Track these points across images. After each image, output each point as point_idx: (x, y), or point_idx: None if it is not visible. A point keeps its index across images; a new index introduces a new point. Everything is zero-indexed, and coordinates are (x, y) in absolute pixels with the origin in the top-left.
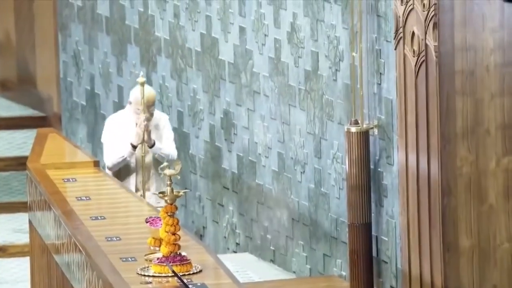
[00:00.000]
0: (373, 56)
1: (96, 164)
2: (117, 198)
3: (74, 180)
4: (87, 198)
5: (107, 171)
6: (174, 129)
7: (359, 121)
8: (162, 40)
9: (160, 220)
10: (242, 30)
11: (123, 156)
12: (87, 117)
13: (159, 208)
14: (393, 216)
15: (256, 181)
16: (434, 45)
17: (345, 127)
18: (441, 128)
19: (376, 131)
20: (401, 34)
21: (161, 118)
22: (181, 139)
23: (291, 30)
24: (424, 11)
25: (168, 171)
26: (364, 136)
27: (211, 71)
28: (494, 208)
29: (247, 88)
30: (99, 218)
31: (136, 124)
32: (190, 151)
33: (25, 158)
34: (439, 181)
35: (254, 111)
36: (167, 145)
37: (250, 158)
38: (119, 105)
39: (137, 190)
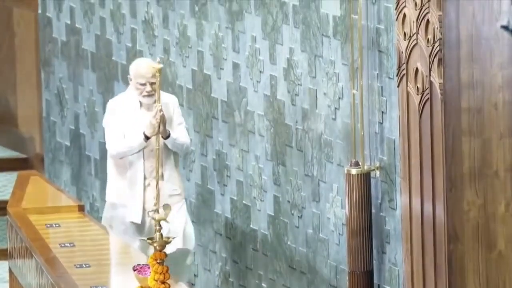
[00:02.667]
0: (375, 93)
1: (81, 208)
2: (102, 244)
3: (57, 225)
4: (71, 244)
5: (108, 159)
6: None
7: (360, 163)
8: None
9: (148, 267)
10: (235, 66)
11: (132, 146)
12: (71, 159)
13: (175, 193)
14: (396, 263)
15: (251, 226)
16: (439, 82)
17: (345, 169)
18: (447, 170)
19: (377, 173)
20: (404, 71)
21: (170, 100)
22: None
23: (287, 66)
24: (428, 46)
25: (157, 216)
26: (365, 178)
27: (203, 109)
28: (504, 255)
29: (241, 127)
30: (84, 266)
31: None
32: None
33: (5, 202)
34: (445, 226)
35: (248, 151)
36: (179, 133)
37: (244, 201)
38: (105, 146)
39: (145, 178)
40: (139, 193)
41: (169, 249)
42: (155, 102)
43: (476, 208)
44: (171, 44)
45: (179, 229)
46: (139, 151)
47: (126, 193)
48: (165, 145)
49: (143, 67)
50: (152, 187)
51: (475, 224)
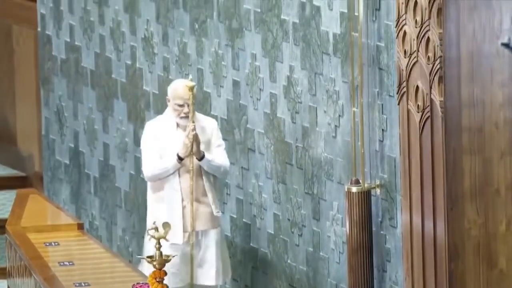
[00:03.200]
0: (375, 111)
1: (80, 226)
2: (102, 263)
3: (56, 244)
4: (71, 263)
5: (148, 189)
6: None
7: (360, 181)
8: (151, 94)
9: (148, 286)
10: (235, 83)
11: (166, 168)
12: (70, 177)
13: (219, 215)
14: (397, 282)
15: (251, 244)
16: (440, 100)
17: (345, 187)
18: (448, 188)
19: (378, 191)
20: (405, 88)
21: (208, 123)
22: None
23: (287, 83)
24: (429, 64)
25: (156, 234)
26: (366, 196)
27: None
28: (505, 273)
29: (241, 145)
30: (83, 284)
31: (178, 126)
32: None
33: (4, 220)
34: (445, 245)
35: (248, 169)
36: (218, 155)
37: (244, 219)
38: (104, 164)
39: (182, 199)
40: (178, 214)
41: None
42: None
43: (477, 227)
44: (171, 61)
45: (213, 262)
46: (174, 172)
47: (165, 216)
48: (192, 177)
49: (180, 88)
50: (189, 209)
51: (476, 243)
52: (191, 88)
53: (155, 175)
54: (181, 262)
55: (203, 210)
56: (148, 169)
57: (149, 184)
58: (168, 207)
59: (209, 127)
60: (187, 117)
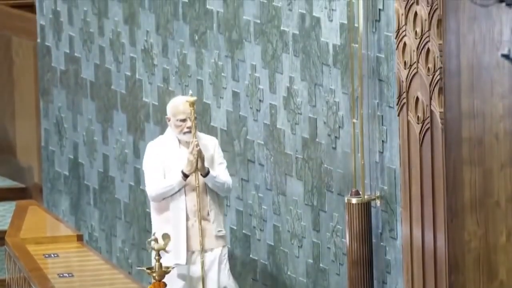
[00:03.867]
0: (375, 122)
1: (80, 238)
2: (101, 274)
3: (56, 255)
4: (70, 275)
5: (151, 209)
6: None
7: (360, 192)
8: (151, 105)
9: None
10: (235, 95)
11: (172, 185)
12: (70, 188)
13: (220, 234)
14: None
15: (250, 256)
16: (440, 112)
17: (345, 198)
18: (448, 200)
19: (378, 202)
20: (405, 100)
21: (209, 140)
22: None
23: (287, 95)
24: (429, 75)
25: (156, 245)
26: (366, 208)
27: None
28: (505, 285)
29: (241, 156)
30: None
31: (179, 141)
32: None
33: (3, 232)
34: (446, 257)
35: (248, 181)
36: (220, 172)
37: (244, 231)
38: (104, 175)
39: (187, 218)
40: (183, 234)
41: None
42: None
43: (477, 238)
44: (171, 73)
45: (216, 281)
46: (179, 190)
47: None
48: (198, 193)
49: (181, 104)
50: (195, 228)
51: (476, 254)
52: (192, 103)
53: (160, 194)
54: (187, 283)
55: (209, 228)
56: (153, 188)
57: (153, 206)
58: (174, 227)
59: (210, 144)
60: (190, 131)
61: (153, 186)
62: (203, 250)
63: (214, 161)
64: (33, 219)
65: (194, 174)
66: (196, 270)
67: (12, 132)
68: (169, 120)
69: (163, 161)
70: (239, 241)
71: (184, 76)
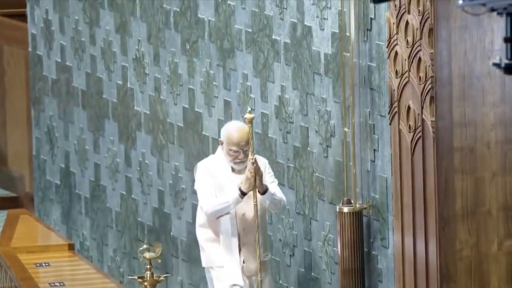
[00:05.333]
0: (367, 131)
1: (71, 247)
2: (93, 283)
3: (47, 264)
4: (61, 284)
5: (198, 229)
6: (154, 210)
7: (352, 201)
8: (142, 114)
9: None
10: (227, 104)
11: (228, 202)
12: (61, 197)
13: (266, 258)
14: None
15: None
16: (431, 120)
17: (337, 207)
18: (439, 209)
19: (370, 211)
20: (396, 108)
21: (260, 161)
22: (162, 221)
23: (279, 104)
24: (420, 84)
25: (147, 254)
26: (357, 216)
27: (194, 147)
28: None
29: None
30: None
31: (233, 162)
32: (171, 233)
33: None
34: (437, 265)
35: None
36: (275, 189)
37: None
38: (95, 184)
39: (239, 242)
40: (236, 257)
41: None
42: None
43: (469, 247)
44: (162, 81)
45: None
46: (233, 208)
47: (224, 257)
48: (255, 212)
49: (236, 137)
50: (245, 253)
51: (468, 263)
52: (250, 120)
53: (216, 210)
54: None
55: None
56: (209, 205)
57: (201, 227)
58: (225, 250)
59: (261, 164)
60: (242, 162)
61: (209, 203)
62: (259, 261)
63: (266, 181)
64: (24, 228)
65: (252, 192)
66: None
67: (3, 141)
68: (221, 144)
69: (215, 183)
70: None
71: (176, 85)
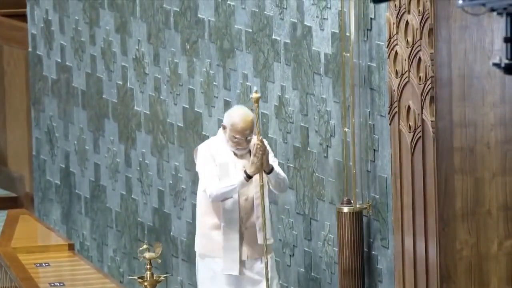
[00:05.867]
0: (366, 131)
1: (71, 247)
2: (93, 283)
3: (47, 264)
4: (61, 284)
5: (198, 211)
6: (154, 210)
7: (352, 201)
8: (142, 114)
9: None
10: (227, 104)
11: (233, 185)
12: (61, 198)
13: (269, 242)
14: None
15: None
16: (431, 121)
17: (337, 207)
18: (439, 209)
19: (370, 211)
20: (396, 109)
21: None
22: (162, 220)
23: (279, 103)
24: (420, 84)
25: (147, 254)
26: (357, 216)
27: (194, 147)
28: None
29: None
30: None
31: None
32: (171, 233)
33: None
34: (437, 266)
35: None
36: (279, 169)
37: None
38: (95, 184)
39: (240, 228)
40: (235, 245)
41: None
42: (248, 151)
43: (469, 247)
44: (162, 81)
45: None
46: (238, 191)
47: (221, 245)
48: (262, 194)
49: (241, 126)
50: (247, 237)
51: (467, 263)
52: (257, 100)
53: (221, 193)
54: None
55: (262, 240)
56: (214, 188)
57: (202, 211)
58: (224, 238)
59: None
60: (244, 148)
61: (213, 186)
62: (265, 247)
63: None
64: (24, 228)
65: (258, 174)
66: (248, 279)
67: (3, 141)
68: (224, 128)
69: (218, 165)
70: None
71: (176, 85)
